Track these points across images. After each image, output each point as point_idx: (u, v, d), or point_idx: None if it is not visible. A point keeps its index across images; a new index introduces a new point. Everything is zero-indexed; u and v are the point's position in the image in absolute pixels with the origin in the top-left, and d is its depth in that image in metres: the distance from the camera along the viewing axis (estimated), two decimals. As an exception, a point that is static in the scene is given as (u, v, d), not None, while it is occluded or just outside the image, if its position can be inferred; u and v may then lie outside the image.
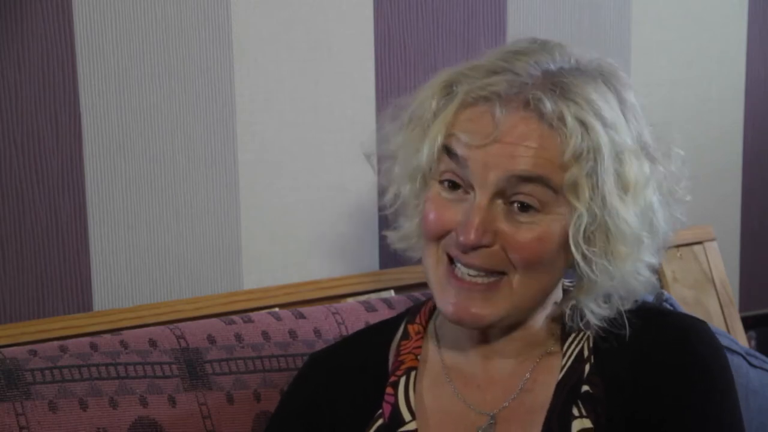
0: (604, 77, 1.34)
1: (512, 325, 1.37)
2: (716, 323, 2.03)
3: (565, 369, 1.36)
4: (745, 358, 1.77)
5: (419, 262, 1.40)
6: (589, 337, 1.37)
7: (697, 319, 1.39)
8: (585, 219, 1.30)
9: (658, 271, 2.02)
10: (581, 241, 1.31)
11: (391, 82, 1.85)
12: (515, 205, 1.30)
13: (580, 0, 2.03)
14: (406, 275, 1.82)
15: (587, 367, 1.35)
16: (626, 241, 1.32)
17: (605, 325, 1.36)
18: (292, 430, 1.44)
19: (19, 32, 1.62)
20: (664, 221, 1.36)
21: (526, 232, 1.30)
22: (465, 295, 1.32)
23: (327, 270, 1.85)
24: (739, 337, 2.03)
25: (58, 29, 1.64)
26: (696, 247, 2.08)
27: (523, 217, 1.31)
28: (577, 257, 1.32)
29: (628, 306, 1.36)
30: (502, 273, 1.32)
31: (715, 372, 1.34)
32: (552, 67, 1.32)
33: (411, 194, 1.39)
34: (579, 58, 1.35)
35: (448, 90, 1.35)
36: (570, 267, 1.35)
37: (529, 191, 1.30)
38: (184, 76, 1.72)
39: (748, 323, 2.21)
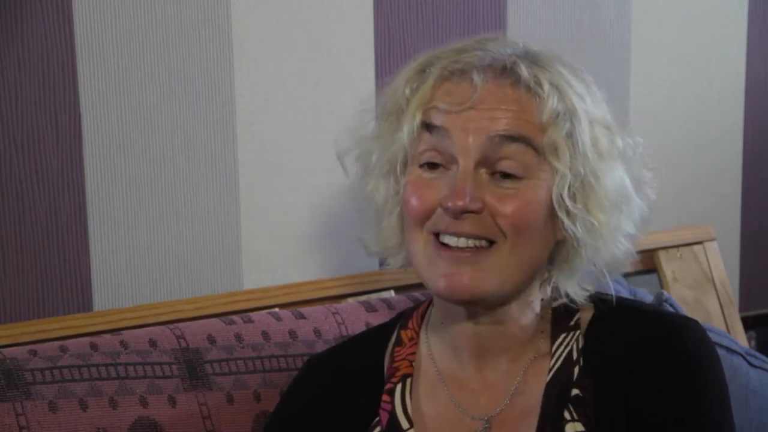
0: (569, 65, 1.38)
1: (502, 304, 1.36)
2: (716, 323, 2.03)
3: (553, 371, 1.36)
4: (745, 358, 1.77)
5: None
6: (578, 337, 1.38)
7: (690, 318, 1.40)
8: (568, 179, 1.32)
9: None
10: (566, 198, 1.33)
11: (391, 82, 1.85)
12: (498, 174, 1.32)
13: (580, 0, 2.03)
14: (406, 275, 1.82)
15: (576, 370, 1.36)
16: (608, 197, 1.34)
17: (593, 309, 1.38)
18: (292, 431, 1.44)
19: (19, 32, 1.62)
20: (636, 196, 1.38)
21: (512, 199, 1.32)
22: (455, 266, 1.32)
23: (327, 270, 1.84)
24: (739, 337, 2.03)
25: (58, 29, 1.64)
26: (696, 247, 2.08)
27: (507, 184, 1.32)
28: (561, 215, 1.33)
29: (613, 276, 1.38)
30: (492, 242, 1.32)
31: (706, 369, 1.34)
32: (518, 51, 1.37)
33: (390, 185, 1.39)
34: (542, 49, 1.39)
35: (421, 74, 1.37)
36: (558, 241, 1.36)
37: (511, 153, 1.31)
38: (184, 76, 1.72)
39: (748, 323, 2.21)
